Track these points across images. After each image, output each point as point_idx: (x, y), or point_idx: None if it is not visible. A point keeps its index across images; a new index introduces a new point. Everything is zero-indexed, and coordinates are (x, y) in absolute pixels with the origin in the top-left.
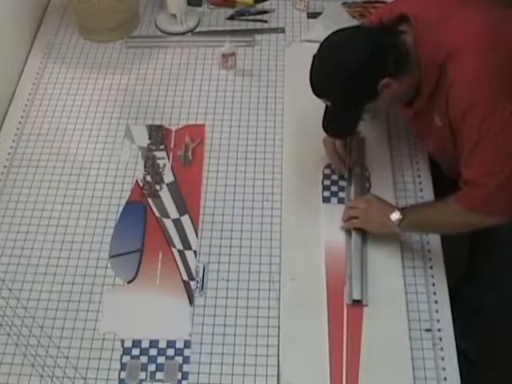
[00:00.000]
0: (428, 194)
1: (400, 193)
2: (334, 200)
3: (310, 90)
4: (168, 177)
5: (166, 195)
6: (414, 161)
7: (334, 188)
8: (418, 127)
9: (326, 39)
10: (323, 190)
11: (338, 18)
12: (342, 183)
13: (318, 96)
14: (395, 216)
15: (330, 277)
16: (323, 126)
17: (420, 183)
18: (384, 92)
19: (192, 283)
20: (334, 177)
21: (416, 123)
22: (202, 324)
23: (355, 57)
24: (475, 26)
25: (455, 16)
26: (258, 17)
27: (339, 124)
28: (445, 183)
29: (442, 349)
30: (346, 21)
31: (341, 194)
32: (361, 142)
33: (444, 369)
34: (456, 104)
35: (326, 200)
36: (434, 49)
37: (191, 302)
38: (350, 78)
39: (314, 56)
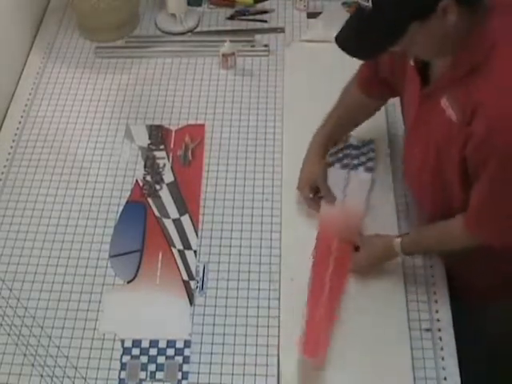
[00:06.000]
0: None
1: (402, 213)
2: None
3: (310, 89)
4: (168, 177)
5: (166, 195)
6: None
7: None
8: (421, 115)
9: None
10: None
11: (337, 18)
12: None
13: None
14: (397, 240)
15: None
16: (339, 35)
17: None
18: (438, 17)
19: (192, 283)
20: None
21: (420, 108)
22: (202, 324)
23: None
24: None
25: None
26: (258, 17)
27: (370, 37)
28: None
29: (442, 349)
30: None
31: None
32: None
33: (444, 369)
34: (487, 129)
35: None
36: (499, 28)
37: (191, 301)
38: None
39: None
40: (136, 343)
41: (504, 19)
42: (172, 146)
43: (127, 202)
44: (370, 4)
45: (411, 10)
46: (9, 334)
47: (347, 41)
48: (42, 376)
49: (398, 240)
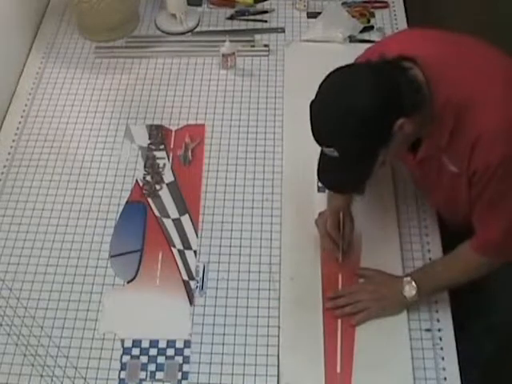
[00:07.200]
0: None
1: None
2: None
3: (310, 89)
4: (168, 177)
5: (165, 195)
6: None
7: None
8: (425, 173)
9: (325, 80)
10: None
11: (337, 18)
12: None
13: (327, 146)
14: (410, 291)
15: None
16: (321, 180)
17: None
18: (398, 134)
19: (192, 283)
20: None
21: (422, 169)
22: (202, 324)
23: (368, 96)
24: (495, 75)
25: (469, 58)
26: (258, 17)
27: (349, 178)
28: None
29: (442, 349)
30: (345, 20)
31: None
32: (352, 222)
33: (444, 369)
34: (486, 157)
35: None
36: (451, 89)
37: (191, 301)
38: (364, 121)
39: (312, 102)
40: (136, 343)
41: (445, 89)
42: (172, 146)
43: (127, 202)
44: (336, 154)
45: (374, 147)
46: (9, 334)
47: (332, 183)
48: (41, 376)
49: (408, 278)
